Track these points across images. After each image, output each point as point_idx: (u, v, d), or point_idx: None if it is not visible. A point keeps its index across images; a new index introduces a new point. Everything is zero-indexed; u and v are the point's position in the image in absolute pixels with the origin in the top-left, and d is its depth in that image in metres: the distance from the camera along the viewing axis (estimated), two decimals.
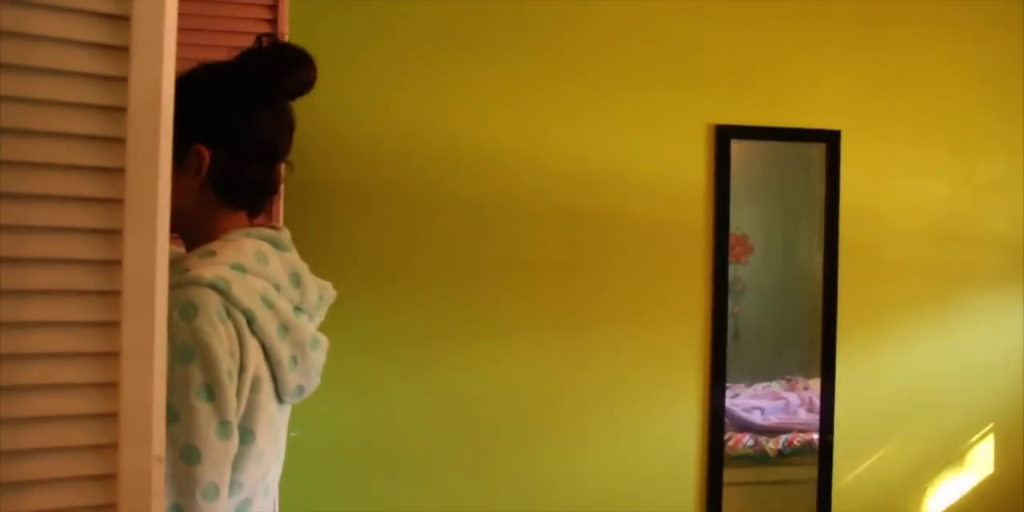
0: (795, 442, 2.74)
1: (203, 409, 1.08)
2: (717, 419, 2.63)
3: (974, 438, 2.87)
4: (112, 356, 0.86)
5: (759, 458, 2.73)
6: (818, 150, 2.74)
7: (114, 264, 0.86)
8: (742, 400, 2.78)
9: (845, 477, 2.75)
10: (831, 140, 2.72)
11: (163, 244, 0.89)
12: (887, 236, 2.79)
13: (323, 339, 1.29)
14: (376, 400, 2.45)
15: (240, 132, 1.22)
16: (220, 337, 1.09)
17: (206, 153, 1.20)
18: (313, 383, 1.27)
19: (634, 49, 2.59)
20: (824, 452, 2.72)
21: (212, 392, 1.08)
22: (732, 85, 2.65)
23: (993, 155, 2.88)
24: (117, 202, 0.86)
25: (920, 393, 2.82)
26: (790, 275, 2.88)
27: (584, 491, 2.56)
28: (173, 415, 1.06)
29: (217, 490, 1.09)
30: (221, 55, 1.75)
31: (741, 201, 2.65)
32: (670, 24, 2.62)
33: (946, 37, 2.83)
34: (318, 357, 1.27)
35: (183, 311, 1.08)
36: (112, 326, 0.86)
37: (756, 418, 2.76)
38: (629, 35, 2.59)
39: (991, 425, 2.87)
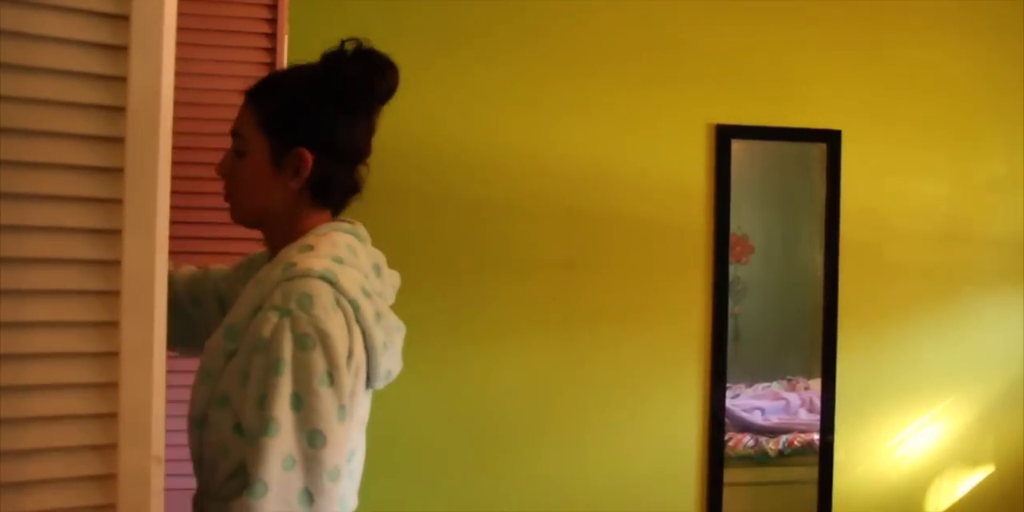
0: (795, 442, 2.74)
1: (326, 394, 1.11)
2: (717, 419, 2.63)
3: (974, 438, 2.86)
4: (112, 356, 0.86)
5: (759, 458, 2.73)
6: (819, 150, 2.74)
7: (114, 264, 0.86)
8: (742, 400, 2.77)
9: (845, 477, 2.75)
10: (832, 140, 2.72)
11: (163, 244, 0.89)
12: (887, 236, 2.79)
13: (402, 324, 1.34)
14: (375, 399, 2.44)
15: (341, 138, 1.27)
16: (336, 325, 1.13)
17: (309, 157, 1.24)
18: (399, 367, 1.33)
19: (634, 49, 2.59)
20: (824, 452, 2.72)
21: (333, 377, 1.12)
22: (732, 85, 2.65)
23: (993, 155, 2.88)
24: (117, 202, 0.86)
25: (920, 393, 2.82)
26: (790, 275, 2.88)
27: (584, 491, 2.56)
28: (297, 402, 1.10)
29: (339, 472, 1.13)
30: (221, 55, 1.76)
31: (741, 201, 2.65)
32: (670, 24, 2.62)
33: (947, 37, 2.83)
34: (400, 341, 1.33)
35: (300, 302, 1.12)
36: (112, 326, 0.86)
37: (756, 418, 2.76)
38: (629, 35, 2.59)
39: (991, 425, 2.87)
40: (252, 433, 1.11)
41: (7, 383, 0.81)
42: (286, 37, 1.79)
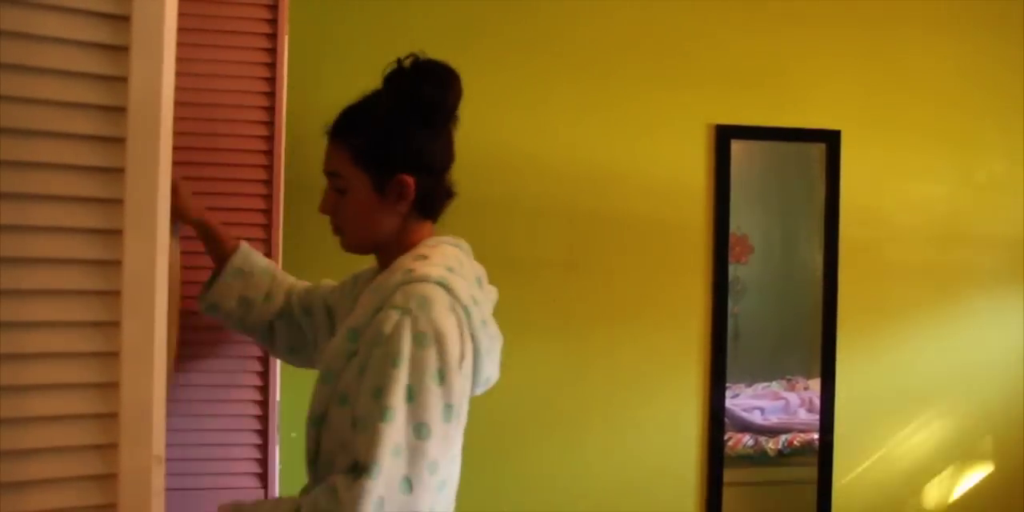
0: (795, 442, 2.74)
1: (436, 391, 1.18)
2: (717, 419, 2.63)
3: (974, 438, 2.87)
4: (112, 356, 0.86)
5: (759, 458, 2.73)
6: (818, 150, 2.74)
7: (114, 264, 0.86)
8: (742, 400, 2.77)
9: (845, 477, 2.75)
10: (831, 140, 2.72)
11: (163, 244, 0.89)
12: (887, 236, 2.79)
13: (500, 334, 1.41)
14: None
15: (432, 154, 1.35)
16: (451, 327, 1.21)
17: (410, 181, 1.31)
18: (496, 375, 1.40)
19: (635, 50, 2.59)
20: (824, 452, 2.72)
21: (443, 376, 1.19)
22: (732, 85, 2.65)
23: (993, 155, 2.88)
24: (117, 202, 0.86)
25: (920, 393, 2.82)
26: (790, 275, 2.88)
27: (584, 490, 2.56)
28: (410, 395, 1.17)
29: (436, 466, 1.19)
30: (221, 55, 1.75)
31: (741, 201, 2.65)
32: (671, 25, 2.62)
33: (946, 38, 2.83)
34: (499, 350, 1.40)
35: (419, 303, 1.20)
36: (112, 326, 0.86)
37: (756, 418, 2.76)
38: (630, 36, 2.59)
39: (991, 425, 2.87)
40: (367, 420, 1.16)
41: (8, 383, 0.81)
42: (286, 37, 1.79)
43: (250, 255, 1.58)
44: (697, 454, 2.63)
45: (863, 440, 2.77)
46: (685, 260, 2.62)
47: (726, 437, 2.66)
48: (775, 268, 2.83)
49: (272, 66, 1.78)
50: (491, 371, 1.36)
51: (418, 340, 1.18)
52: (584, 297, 2.55)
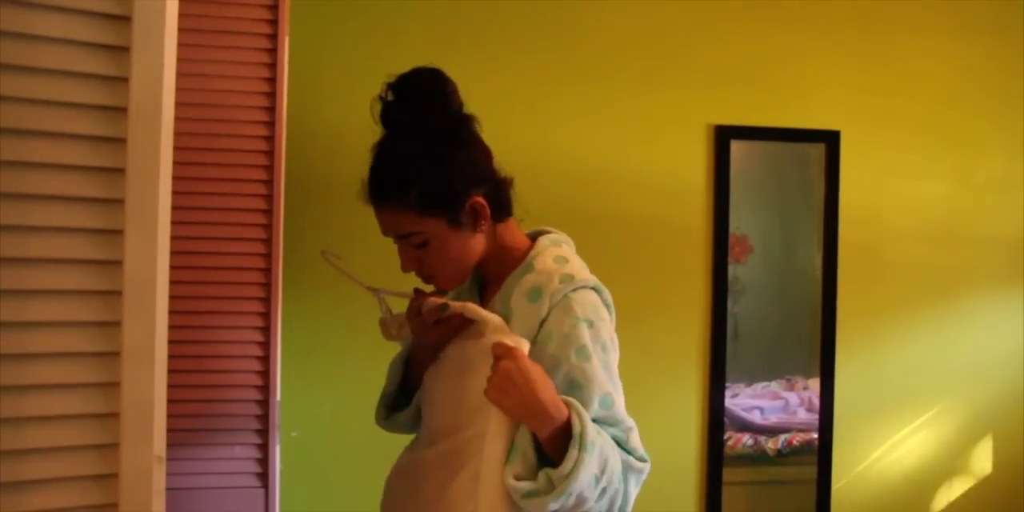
0: (794, 442, 2.74)
1: (620, 388, 1.31)
2: (717, 419, 2.63)
3: (973, 438, 2.87)
4: (112, 356, 0.86)
5: (758, 458, 2.73)
6: (818, 150, 2.74)
7: (114, 264, 0.86)
8: (742, 400, 2.78)
9: (844, 477, 2.75)
10: (831, 140, 2.72)
11: (163, 244, 0.89)
12: (886, 236, 2.79)
13: None
14: (377, 399, 2.45)
15: (480, 165, 1.33)
16: (612, 329, 1.31)
17: (481, 200, 1.29)
18: None
19: (635, 50, 2.59)
20: (823, 452, 2.72)
21: (616, 375, 1.30)
22: (732, 86, 2.65)
23: (992, 155, 2.88)
24: (117, 202, 0.86)
25: (919, 393, 2.82)
26: (790, 275, 2.88)
27: None
28: (603, 401, 1.26)
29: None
30: (221, 55, 1.76)
31: (741, 201, 2.65)
32: (670, 25, 2.62)
33: (945, 38, 2.83)
34: None
35: (595, 312, 1.26)
36: (112, 326, 0.86)
37: (755, 418, 2.76)
38: (630, 36, 2.59)
39: (990, 425, 2.87)
40: (614, 425, 1.30)
41: (9, 383, 0.81)
42: (286, 38, 1.79)
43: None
44: (697, 454, 2.63)
45: (862, 440, 2.77)
46: (685, 260, 2.62)
47: (726, 437, 2.66)
48: (774, 268, 2.83)
49: (272, 66, 1.78)
50: None
51: (605, 347, 1.26)
52: None
